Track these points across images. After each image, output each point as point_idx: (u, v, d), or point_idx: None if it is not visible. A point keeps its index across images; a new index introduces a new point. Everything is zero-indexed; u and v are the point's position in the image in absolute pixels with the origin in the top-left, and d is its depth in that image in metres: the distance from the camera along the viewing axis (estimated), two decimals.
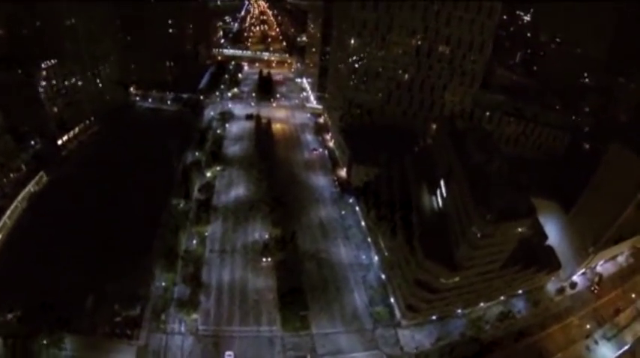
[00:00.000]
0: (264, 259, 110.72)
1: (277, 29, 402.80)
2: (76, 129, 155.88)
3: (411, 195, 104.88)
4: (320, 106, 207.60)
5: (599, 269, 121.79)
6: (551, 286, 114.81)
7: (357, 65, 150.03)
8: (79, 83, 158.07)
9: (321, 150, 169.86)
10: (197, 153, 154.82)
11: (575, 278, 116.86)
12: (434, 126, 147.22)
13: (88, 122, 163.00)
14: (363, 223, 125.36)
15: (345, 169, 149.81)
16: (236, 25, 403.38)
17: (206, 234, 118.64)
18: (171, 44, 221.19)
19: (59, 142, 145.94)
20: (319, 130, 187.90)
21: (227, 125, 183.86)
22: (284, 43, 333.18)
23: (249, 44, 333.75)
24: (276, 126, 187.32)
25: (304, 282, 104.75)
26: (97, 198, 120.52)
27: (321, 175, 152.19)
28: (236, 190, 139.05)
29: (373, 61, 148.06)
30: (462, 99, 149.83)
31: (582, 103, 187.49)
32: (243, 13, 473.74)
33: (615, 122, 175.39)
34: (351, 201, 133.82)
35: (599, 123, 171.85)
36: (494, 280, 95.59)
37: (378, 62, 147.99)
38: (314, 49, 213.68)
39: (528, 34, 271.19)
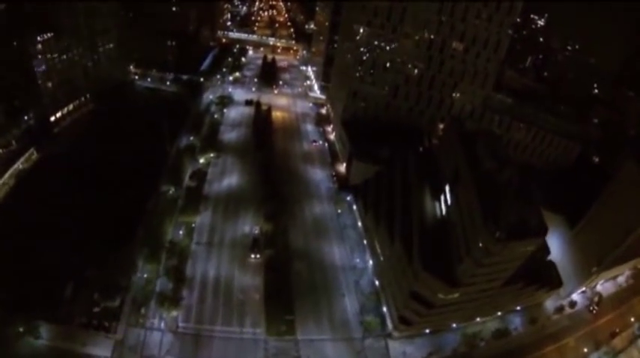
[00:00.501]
0: (252, 255, 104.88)
1: (286, 15, 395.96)
2: (71, 106, 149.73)
3: (413, 199, 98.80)
4: (323, 96, 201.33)
5: (598, 288, 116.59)
6: (549, 303, 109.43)
7: (364, 56, 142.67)
8: (76, 59, 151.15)
9: (320, 142, 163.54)
10: (191, 138, 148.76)
11: (574, 296, 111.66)
12: (441, 126, 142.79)
13: (83, 99, 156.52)
14: (359, 223, 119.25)
15: (344, 164, 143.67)
16: (244, 8, 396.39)
17: (194, 224, 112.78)
18: (173, 23, 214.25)
19: (52, 119, 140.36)
20: (320, 121, 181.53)
21: (225, 110, 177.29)
22: (291, 30, 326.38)
23: (255, 28, 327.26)
24: (277, 114, 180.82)
25: (293, 283, 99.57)
26: (85, 179, 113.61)
27: (319, 169, 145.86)
28: (229, 179, 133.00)
29: (382, 52, 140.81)
30: (472, 100, 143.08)
31: (591, 114, 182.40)
32: None
33: (623, 136, 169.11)
34: (348, 198, 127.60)
35: (606, 135, 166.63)
36: (494, 296, 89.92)
37: (387, 54, 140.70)
38: (321, 37, 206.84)
39: (541, 39, 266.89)
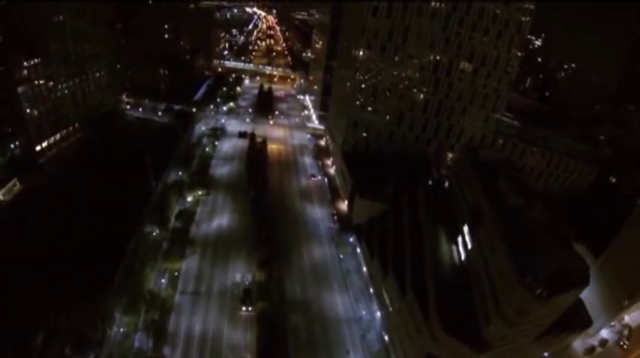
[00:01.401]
0: (243, 308, 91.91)
1: (284, 44, 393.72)
2: (58, 136, 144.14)
3: (425, 241, 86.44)
4: (322, 127, 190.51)
5: (626, 319, 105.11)
6: (578, 344, 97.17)
7: (364, 82, 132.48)
8: (64, 86, 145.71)
9: (319, 177, 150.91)
10: (180, 173, 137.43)
11: (602, 332, 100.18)
12: (450, 155, 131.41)
13: (71, 128, 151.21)
14: (364, 268, 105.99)
15: (345, 202, 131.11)
16: (242, 38, 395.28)
17: (177, 273, 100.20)
18: (165, 51, 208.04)
19: (38, 148, 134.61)
20: (319, 154, 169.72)
21: (218, 142, 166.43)
22: (289, 58, 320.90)
23: (252, 57, 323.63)
24: (272, 147, 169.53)
25: (290, 340, 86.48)
26: (65, 215, 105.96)
27: (318, 207, 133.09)
28: (219, 219, 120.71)
29: (384, 77, 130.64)
30: (483, 125, 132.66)
31: (598, 131, 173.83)
32: (251, 27, 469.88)
33: (634, 152, 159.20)
34: (351, 240, 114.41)
35: (616, 152, 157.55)
36: (521, 349, 76.46)
37: (390, 79, 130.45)
38: (318, 64, 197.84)
39: (539, 59, 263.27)
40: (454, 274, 79.05)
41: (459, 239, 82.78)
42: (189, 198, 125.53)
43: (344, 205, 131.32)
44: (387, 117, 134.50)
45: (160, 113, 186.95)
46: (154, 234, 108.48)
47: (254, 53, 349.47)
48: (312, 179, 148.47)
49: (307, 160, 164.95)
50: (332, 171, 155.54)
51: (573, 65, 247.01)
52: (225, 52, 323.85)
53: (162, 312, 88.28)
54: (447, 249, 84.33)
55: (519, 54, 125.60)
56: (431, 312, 72.37)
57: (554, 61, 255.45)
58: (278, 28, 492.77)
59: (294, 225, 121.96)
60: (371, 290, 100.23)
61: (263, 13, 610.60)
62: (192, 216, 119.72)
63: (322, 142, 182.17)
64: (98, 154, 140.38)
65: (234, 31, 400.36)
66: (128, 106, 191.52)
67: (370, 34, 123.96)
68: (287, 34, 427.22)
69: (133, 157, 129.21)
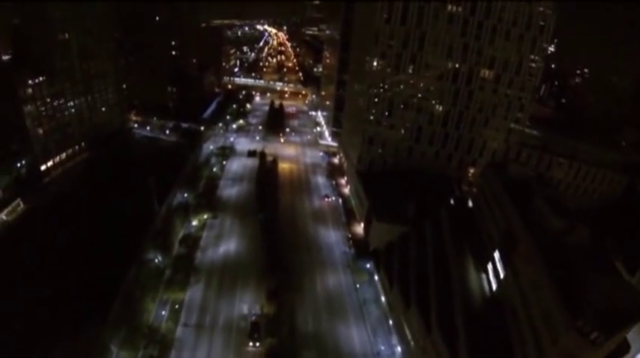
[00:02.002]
0: (251, 343, 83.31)
1: (294, 60, 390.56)
2: (63, 155, 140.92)
3: (451, 270, 77.54)
4: (335, 144, 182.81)
5: None
6: None
7: (379, 95, 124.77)
8: (70, 104, 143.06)
9: (333, 198, 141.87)
10: (186, 195, 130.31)
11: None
12: (471, 171, 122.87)
13: (77, 147, 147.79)
14: (383, 298, 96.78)
15: (361, 224, 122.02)
16: (253, 54, 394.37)
17: (178, 305, 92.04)
18: (173, 68, 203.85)
19: (43, 167, 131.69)
20: (333, 173, 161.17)
21: (226, 162, 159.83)
22: (300, 74, 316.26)
23: (263, 74, 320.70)
24: (283, 166, 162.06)
25: None
26: (67, 237, 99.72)
27: (333, 230, 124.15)
28: (226, 245, 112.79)
29: (400, 89, 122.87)
30: (507, 137, 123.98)
31: (619, 137, 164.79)
32: (262, 44, 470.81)
33: None
34: (368, 266, 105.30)
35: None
36: None
37: (406, 90, 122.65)
38: (329, 79, 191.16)
39: (552, 66, 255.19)
40: (485, 308, 70.00)
41: (489, 266, 73.93)
42: (195, 222, 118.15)
43: (360, 228, 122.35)
44: (405, 132, 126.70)
45: (167, 131, 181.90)
46: (156, 260, 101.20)
47: (265, 69, 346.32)
48: (326, 200, 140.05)
49: (320, 180, 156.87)
50: (346, 191, 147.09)
51: (586, 70, 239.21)
52: (236, 69, 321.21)
53: (162, 347, 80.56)
54: (476, 277, 75.49)
55: (543, 57, 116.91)
56: (460, 352, 63.31)
57: (567, 66, 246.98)
58: (289, 44, 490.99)
59: (307, 250, 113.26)
60: (390, 322, 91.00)
61: (274, 30, 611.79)
62: (198, 242, 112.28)
63: (336, 160, 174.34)
64: (103, 174, 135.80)
65: (244, 48, 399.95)
66: (136, 125, 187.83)
67: (384, 43, 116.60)
68: (298, 49, 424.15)
69: (138, 178, 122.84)
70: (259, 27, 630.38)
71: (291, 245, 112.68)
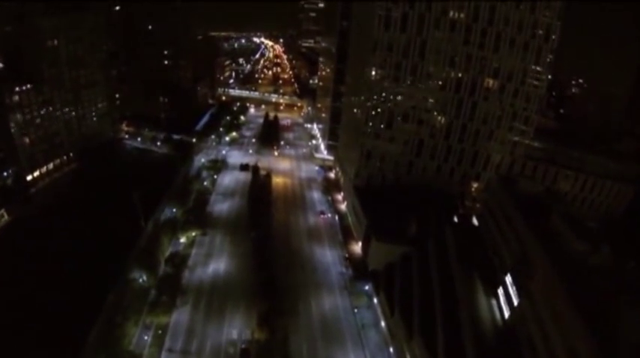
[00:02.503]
0: None
1: (290, 72, 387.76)
2: (50, 165, 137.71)
3: (458, 294, 71.26)
4: (331, 157, 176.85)
5: None
6: None
7: (376, 108, 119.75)
8: (58, 113, 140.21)
9: (329, 215, 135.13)
10: (174, 210, 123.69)
11: None
12: (474, 185, 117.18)
13: (65, 158, 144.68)
14: (383, 323, 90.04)
15: (359, 243, 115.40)
16: (249, 66, 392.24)
17: (162, 329, 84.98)
18: (166, 78, 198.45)
19: (30, 178, 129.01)
20: (329, 188, 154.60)
21: (215, 176, 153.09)
22: (296, 86, 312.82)
23: (258, 85, 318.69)
24: (277, 181, 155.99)
25: None
26: (50, 254, 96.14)
27: (329, 249, 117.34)
28: (216, 264, 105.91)
29: (399, 100, 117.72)
30: (512, 150, 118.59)
31: (619, 147, 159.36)
32: (257, 56, 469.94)
33: None
34: (367, 288, 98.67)
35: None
36: None
37: (406, 101, 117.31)
38: (325, 91, 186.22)
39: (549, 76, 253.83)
40: (498, 338, 63.49)
41: (500, 291, 67.63)
42: (183, 239, 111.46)
43: (357, 247, 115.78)
44: (405, 146, 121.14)
45: (159, 143, 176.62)
46: (141, 280, 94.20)
47: (260, 81, 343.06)
48: (322, 216, 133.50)
49: (316, 195, 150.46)
50: (343, 207, 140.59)
51: (581, 81, 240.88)
52: (231, 81, 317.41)
53: None
54: (486, 303, 69.11)
55: (548, 66, 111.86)
56: None
57: (564, 76, 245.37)
58: (285, 57, 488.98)
59: (302, 270, 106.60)
60: (391, 349, 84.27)
61: (270, 43, 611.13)
62: (186, 260, 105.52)
63: (332, 175, 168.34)
64: (91, 186, 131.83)
65: (240, 60, 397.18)
66: (127, 136, 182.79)
67: (382, 51, 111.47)
68: (294, 62, 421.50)
69: (125, 191, 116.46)
70: (256, 39, 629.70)
71: (285, 265, 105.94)
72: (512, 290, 64.35)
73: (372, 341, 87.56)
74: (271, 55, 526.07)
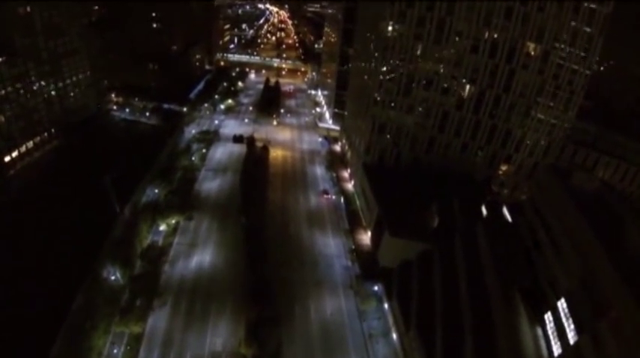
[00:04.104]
0: None
1: (295, 37, 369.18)
2: (30, 144, 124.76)
3: (494, 316, 55.67)
4: (337, 127, 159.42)
5: None
6: None
7: (392, 72, 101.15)
8: (35, 87, 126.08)
9: (333, 197, 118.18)
10: (157, 191, 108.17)
11: None
12: (503, 168, 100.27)
13: (46, 135, 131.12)
14: (394, 335, 74.72)
15: (368, 233, 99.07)
16: (251, 32, 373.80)
17: (136, 338, 71.50)
18: (154, 43, 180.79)
19: (7, 159, 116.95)
20: (333, 163, 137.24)
21: (205, 150, 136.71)
22: (300, 51, 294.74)
23: (261, 50, 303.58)
24: (276, 154, 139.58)
25: None
26: (24, 244, 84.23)
27: (332, 237, 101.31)
28: (200, 256, 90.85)
29: (422, 62, 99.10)
30: (551, 129, 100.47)
31: None
32: (262, 21, 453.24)
33: None
34: (376, 289, 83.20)
35: None
36: None
37: (429, 65, 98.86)
38: (332, 54, 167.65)
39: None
40: None
41: (549, 317, 51.63)
42: (162, 227, 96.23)
43: (366, 237, 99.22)
44: (425, 119, 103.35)
45: (147, 114, 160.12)
46: (112, 278, 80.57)
47: (263, 46, 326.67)
48: (325, 197, 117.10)
49: (318, 171, 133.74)
50: (350, 186, 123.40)
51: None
52: (232, 46, 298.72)
53: None
54: (530, 332, 53.31)
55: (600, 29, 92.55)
56: None
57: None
58: (290, 22, 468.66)
59: (300, 264, 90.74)
60: None
61: (275, 9, 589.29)
62: (167, 250, 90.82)
63: (337, 147, 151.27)
64: (71, 166, 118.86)
65: (243, 25, 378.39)
66: (115, 107, 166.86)
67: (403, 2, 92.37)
68: (299, 27, 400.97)
69: (105, 170, 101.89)
70: (260, 6, 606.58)
71: (280, 257, 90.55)
72: (566, 322, 48.41)
73: (381, 354, 72.98)
74: (276, 20, 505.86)
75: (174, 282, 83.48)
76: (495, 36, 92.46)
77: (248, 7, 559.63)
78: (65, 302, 69.41)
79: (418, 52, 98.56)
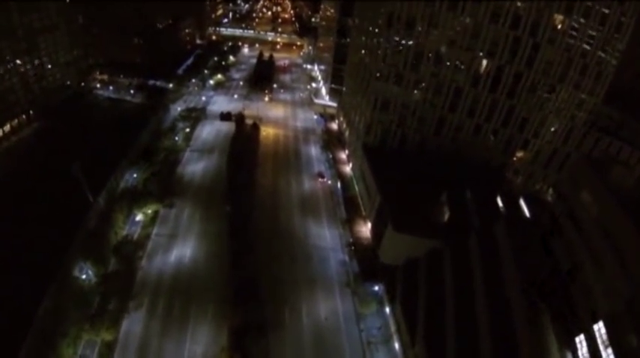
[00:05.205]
0: None
1: (291, 11, 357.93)
2: (7, 127, 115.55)
3: (518, 337, 46.50)
4: (334, 104, 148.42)
5: None
6: None
7: (399, 42, 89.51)
8: (10, 66, 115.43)
9: (329, 181, 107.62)
10: (135, 175, 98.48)
11: None
12: (518, 155, 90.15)
13: (24, 117, 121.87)
14: (396, 344, 65.53)
15: (369, 225, 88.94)
16: (247, 6, 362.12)
17: (108, 345, 63.28)
18: (138, 15, 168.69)
19: None
20: (330, 142, 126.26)
21: (188, 129, 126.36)
22: (296, 25, 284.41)
23: (256, 24, 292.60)
24: (267, 132, 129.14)
25: None
26: None
27: (328, 227, 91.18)
28: (180, 249, 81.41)
29: (433, 31, 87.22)
30: (575, 113, 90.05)
31: None
32: None
33: None
34: (376, 289, 73.80)
35: None
36: None
37: (441, 35, 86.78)
38: (329, 28, 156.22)
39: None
40: None
41: (581, 342, 42.24)
42: (139, 216, 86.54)
43: (366, 228, 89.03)
44: (435, 96, 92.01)
45: (132, 91, 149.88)
46: (84, 277, 71.86)
47: (257, 20, 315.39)
48: (320, 180, 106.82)
49: (313, 151, 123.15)
50: (348, 169, 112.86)
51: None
52: (225, 20, 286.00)
53: None
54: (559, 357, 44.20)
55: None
56: None
57: None
58: None
59: (291, 259, 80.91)
60: None
61: None
62: (144, 244, 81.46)
63: (334, 125, 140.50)
64: (51, 149, 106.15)
65: (238, 0, 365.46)
66: (99, 85, 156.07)
67: None
68: (296, 1, 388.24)
69: (83, 153, 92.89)
70: None
71: (269, 251, 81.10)
72: (603, 349, 39.09)
73: None
74: None
75: (151, 280, 74.65)
76: (518, 4, 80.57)
77: None
78: (31, 305, 60.65)
79: (429, 20, 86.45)
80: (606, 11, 79.55)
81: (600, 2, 78.55)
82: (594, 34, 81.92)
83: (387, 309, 69.77)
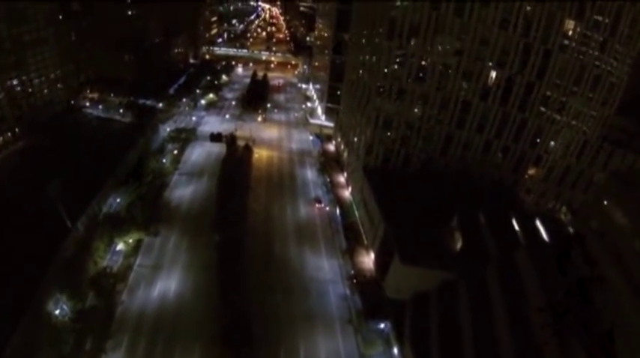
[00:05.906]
0: None
1: (286, 31, 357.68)
2: None
3: None
4: (331, 124, 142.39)
5: None
6: None
7: (401, 55, 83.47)
8: None
9: (327, 207, 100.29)
10: (119, 199, 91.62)
11: None
12: (530, 172, 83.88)
13: (10, 135, 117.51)
14: None
15: (372, 255, 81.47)
16: (241, 26, 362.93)
17: None
18: (130, 33, 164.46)
19: None
20: (327, 165, 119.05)
21: (176, 152, 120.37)
22: (291, 44, 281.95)
23: (250, 44, 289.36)
24: (260, 155, 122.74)
25: None
26: None
27: (326, 258, 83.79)
28: (165, 283, 74.54)
29: (438, 42, 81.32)
30: (589, 126, 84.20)
31: None
32: (253, 17, 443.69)
33: None
34: (382, 326, 66.34)
35: None
36: None
37: (446, 43, 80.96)
38: (324, 46, 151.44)
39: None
40: None
41: None
42: (120, 246, 79.51)
43: (368, 259, 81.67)
44: (441, 112, 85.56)
45: (121, 111, 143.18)
46: (57, 312, 65.24)
47: (252, 40, 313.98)
48: (317, 206, 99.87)
49: (309, 174, 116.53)
50: (347, 194, 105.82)
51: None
52: (219, 40, 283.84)
53: None
54: None
55: None
56: None
57: None
58: (282, 18, 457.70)
59: (287, 293, 73.72)
60: None
61: (267, 6, 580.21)
62: (126, 276, 74.80)
63: (331, 147, 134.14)
64: (35, 170, 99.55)
65: (234, 21, 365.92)
66: (88, 103, 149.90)
67: None
68: (291, 21, 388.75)
69: (70, 174, 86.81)
70: (252, 3, 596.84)
71: (263, 285, 73.99)
72: None
73: None
74: (267, 15, 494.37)
75: (131, 317, 68.06)
76: (527, 8, 74.90)
77: (240, 4, 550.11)
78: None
79: (434, 27, 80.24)
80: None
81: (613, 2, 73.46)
82: (606, 39, 76.90)
83: (395, 349, 62.29)
